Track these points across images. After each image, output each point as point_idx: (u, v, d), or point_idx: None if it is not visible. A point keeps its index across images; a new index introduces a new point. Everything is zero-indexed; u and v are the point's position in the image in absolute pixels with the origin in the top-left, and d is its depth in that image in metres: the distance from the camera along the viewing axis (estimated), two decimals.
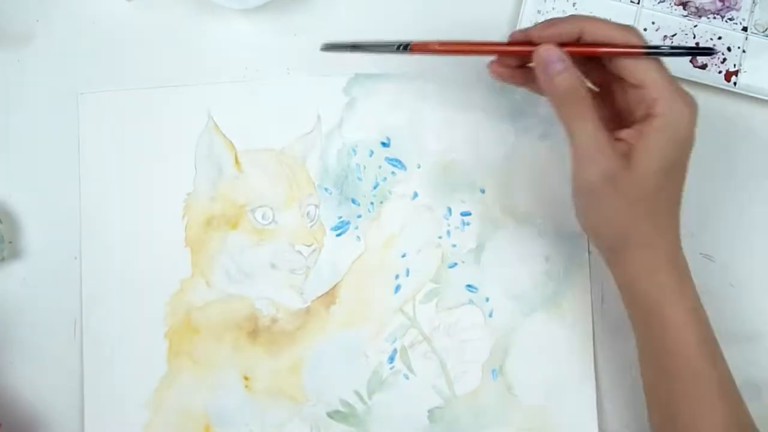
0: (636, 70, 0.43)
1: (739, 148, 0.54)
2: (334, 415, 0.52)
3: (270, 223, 0.53)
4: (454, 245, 0.53)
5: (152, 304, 0.54)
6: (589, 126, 0.42)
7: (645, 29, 0.53)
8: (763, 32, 0.53)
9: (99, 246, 0.54)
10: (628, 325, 0.51)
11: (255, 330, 0.53)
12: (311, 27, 0.55)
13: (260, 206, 0.53)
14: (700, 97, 0.52)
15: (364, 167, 0.53)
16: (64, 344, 0.54)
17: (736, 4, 0.54)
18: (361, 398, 0.52)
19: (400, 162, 0.53)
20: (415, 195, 0.53)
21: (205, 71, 0.55)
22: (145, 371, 0.53)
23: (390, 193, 0.53)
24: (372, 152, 0.53)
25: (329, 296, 0.53)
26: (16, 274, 0.55)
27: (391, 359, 0.52)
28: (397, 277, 0.53)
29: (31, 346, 0.54)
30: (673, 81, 0.43)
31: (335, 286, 0.53)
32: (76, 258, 0.54)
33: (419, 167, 0.53)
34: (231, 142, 0.54)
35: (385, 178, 0.53)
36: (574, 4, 0.54)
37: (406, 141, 0.53)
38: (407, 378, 0.52)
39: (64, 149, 0.55)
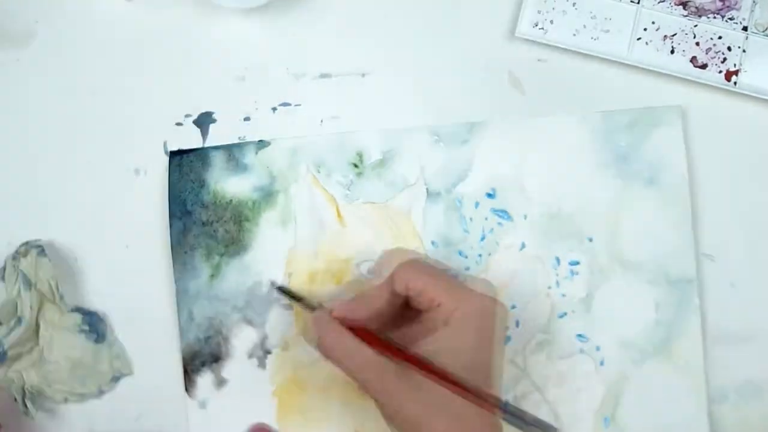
0: (431, 294, 0.44)
1: (739, 148, 0.54)
2: None
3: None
4: (564, 295, 0.53)
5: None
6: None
7: (645, 29, 0.53)
8: (764, 32, 0.53)
9: (196, 306, 0.53)
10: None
11: None
12: (311, 27, 0.55)
13: (365, 260, 0.53)
14: (701, 97, 0.53)
15: (471, 219, 0.53)
16: None
17: (736, 4, 0.53)
18: None
19: (506, 213, 0.53)
20: (523, 246, 0.53)
21: (204, 71, 0.55)
22: None
23: (497, 244, 0.53)
24: (478, 204, 0.53)
25: None
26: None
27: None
28: (506, 328, 0.53)
29: None
30: (466, 289, 0.45)
31: None
32: (76, 259, 0.54)
33: (526, 217, 0.53)
34: (332, 195, 0.53)
35: (492, 230, 0.53)
36: (574, 4, 0.53)
37: (512, 191, 0.53)
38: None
39: (63, 147, 0.55)
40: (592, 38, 0.54)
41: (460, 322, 0.43)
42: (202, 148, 0.54)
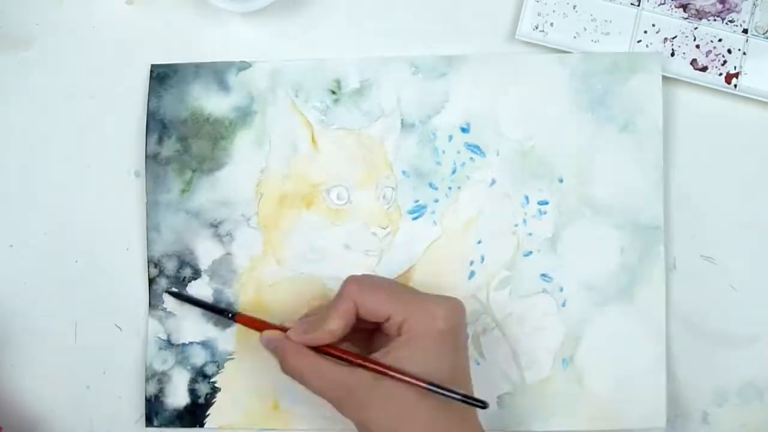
0: (379, 311, 0.44)
1: (739, 151, 0.53)
2: None
3: (345, 203, 0.53)
4: (530, 233, 0.53)
5: None
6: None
7: (645, 31, 0.53)
8: (764, 34, 0.53)
9: (165, 219, 0.53)
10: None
11: None
12: (311, 30, 0.55)
13: (336, 186, 0.53)
14: (701, 100, 0.53)
15: (443, 152, 0.53)
16: (66, 347, 0.54)
17: (736, 7, 0.53)
18: None
19: (478, 148, 0.53)
20: (493, 182, 0.53)
21: None
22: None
23: (468, 178, 0.53)
24: (451, 137, 0.53)
25: (403, 279, 0.53)
26: (17, 276, 0.55)
27: None
28: (471, 263, 0.53)
29: (33, 348, 0.55)
30: (415, 296, 0.45)
31: (409, 269, 0.53)
32: (77, 261, 0.55)
33: (498, 154, 0.53)
34: (308, 120, 0.54)
35: (464, 164, 0.53)
36: (574, 7, 0.53)
37: (486, 127, 0.53)
38: (478, 364, 0.52)
39: (63, 151, 0.55)
40: (592, 41, 0.53)
41: (412, 332, 0.43)
42: (184, 65, 0.54)
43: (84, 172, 0.55)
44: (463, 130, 0.53)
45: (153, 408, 0.53)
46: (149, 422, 0.53)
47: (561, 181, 0.53)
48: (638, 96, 0.53)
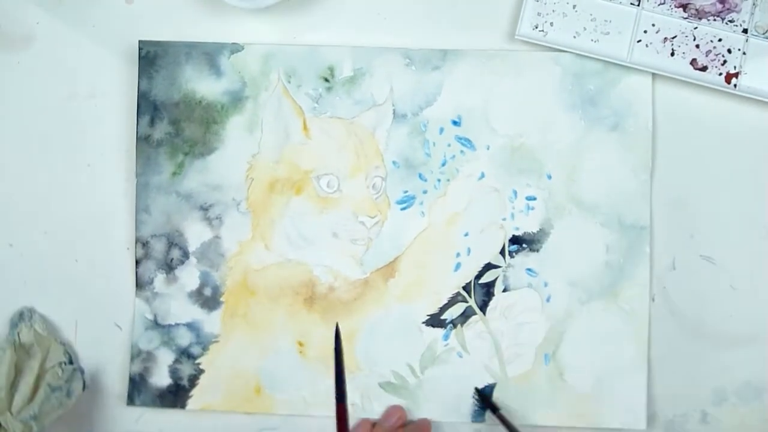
0: None
1: (739, 150, 0.53)
2: (385, 386, 0.53)
3: (335, 191, 0.53)
4: (517, 228, 0.53)
5: None
6: None
7: (645, 31, 0.53)
8: (764, 34, 0.53)
9: (156, 201, 0.54)
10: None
11: (312, 297, 0.53)
12: (321, 27, 0.55)
13: (326, 174, 0.53)
14: (701, 99, 0.53)
15: (434, 144, 0.53)
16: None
17: (736, 6, 0.53)
18: (413, 372, 0.53)
19: (469, 141, 0.53)
20: (482, 175, 0.53)
21: None
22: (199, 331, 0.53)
23: (457, 171, 0.53)
24: (442, 129, 0.53)
25: (389, 269, 0.53)
26: (17, 275, 0.55)
27: (446, 336, 0.53)
28: (458, 255, 0.53)
29: None
30: None
31: (395, 259, 0.53)
32: (77, 261, 0.55)
33: (488, 148, 0.53)
34: (300, 107, 0.54)
35: (454, 156, 0.53)
36: (574, 6, 0.54)
37: (477, 121, 0.53)
38: (461, 356, 0.53)
39: (63, 150, 0.55)
40: (592, 40, 0.53)
41: None
42: (175, 43, 0.54)
43: (84, 171, 0.55)
44: (455, 123, 0.53)
45: (136, 387, 0.53)
46: (131, 401, 0.53)
47: (549, 177, 0.53)
48: (629, 97, 0.53)
